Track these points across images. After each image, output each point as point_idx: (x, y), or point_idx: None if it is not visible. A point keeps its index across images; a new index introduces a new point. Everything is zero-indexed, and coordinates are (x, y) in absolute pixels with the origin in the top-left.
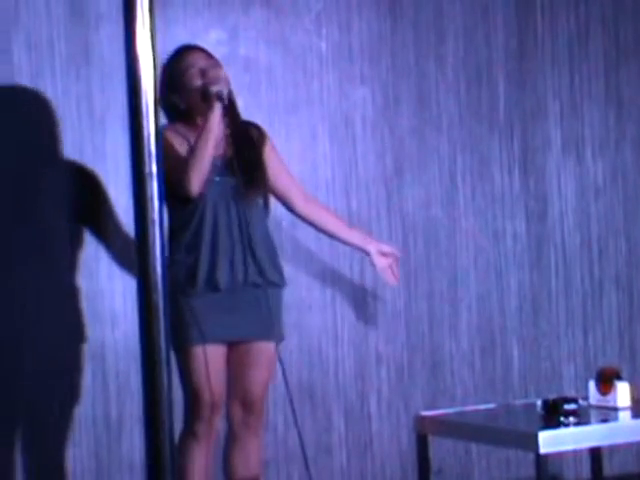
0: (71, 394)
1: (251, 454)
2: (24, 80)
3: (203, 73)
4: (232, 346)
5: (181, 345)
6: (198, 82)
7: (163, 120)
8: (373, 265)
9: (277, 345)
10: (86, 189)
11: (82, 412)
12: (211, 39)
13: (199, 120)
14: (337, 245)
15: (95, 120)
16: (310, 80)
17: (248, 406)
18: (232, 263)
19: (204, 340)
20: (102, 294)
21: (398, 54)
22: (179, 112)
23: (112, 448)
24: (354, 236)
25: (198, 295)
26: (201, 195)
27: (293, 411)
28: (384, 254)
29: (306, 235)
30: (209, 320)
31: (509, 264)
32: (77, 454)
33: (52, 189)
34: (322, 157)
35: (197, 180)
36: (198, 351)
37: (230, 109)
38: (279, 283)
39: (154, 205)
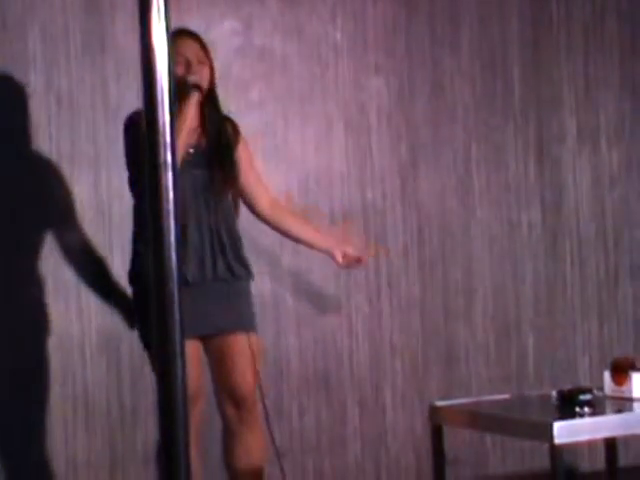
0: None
1: (252, 447)
2: (39, 70)
3: (188, 64)
4: (206, 341)
5: (151, 340)
6: (180, 71)
7: None
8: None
9: (249, 335)
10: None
11: (97, 403)
12: (226, 29)
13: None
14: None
15: (110, 110)
16: (325, 70)
17: (238, 402)
18: (201, 259)
19: None
20: (116, 284)
21: (413, 44)
22: None
23: (127, 439)
24: (318, 241)
25: None
26: None
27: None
28: (347, 257)
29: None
30: None
31: (524, 254)
32: (92, 444)
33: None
34: (337, 147)
35: None
36: None
37: (211, 102)
38: (245, 277)
39: (169, 195)
